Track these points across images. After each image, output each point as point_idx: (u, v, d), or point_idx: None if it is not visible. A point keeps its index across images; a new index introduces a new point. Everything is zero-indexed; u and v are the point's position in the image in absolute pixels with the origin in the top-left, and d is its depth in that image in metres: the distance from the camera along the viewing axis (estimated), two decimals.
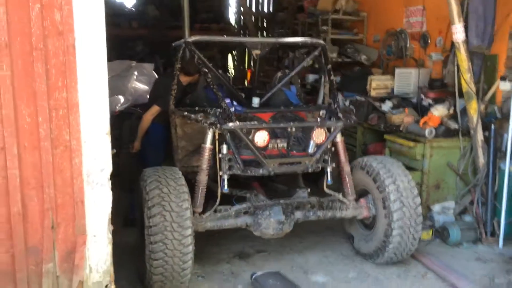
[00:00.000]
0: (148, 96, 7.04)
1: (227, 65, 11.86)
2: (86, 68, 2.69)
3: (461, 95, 5.34)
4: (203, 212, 4.16)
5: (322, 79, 6.85)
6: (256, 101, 4.87)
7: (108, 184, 2.86)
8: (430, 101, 5.78)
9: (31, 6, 2.54)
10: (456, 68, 5.30)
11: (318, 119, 4.73)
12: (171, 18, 10.58)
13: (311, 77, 8.15)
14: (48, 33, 2.58)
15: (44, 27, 2.56)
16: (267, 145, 4.13)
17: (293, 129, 4.24)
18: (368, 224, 4.70)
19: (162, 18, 10.52)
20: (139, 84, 7.26)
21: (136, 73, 7.33)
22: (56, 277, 2.82)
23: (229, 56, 12.13)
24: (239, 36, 11.54)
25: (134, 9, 10.87)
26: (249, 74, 11.17)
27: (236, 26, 11.87)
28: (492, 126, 5.17)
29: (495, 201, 5.14)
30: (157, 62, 9.37)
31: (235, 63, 12.22)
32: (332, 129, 4.28)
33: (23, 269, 2.76)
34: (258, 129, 4.02)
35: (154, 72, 7.55)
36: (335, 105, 4.44)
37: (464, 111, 5.34)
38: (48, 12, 2.57)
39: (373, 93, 6.58)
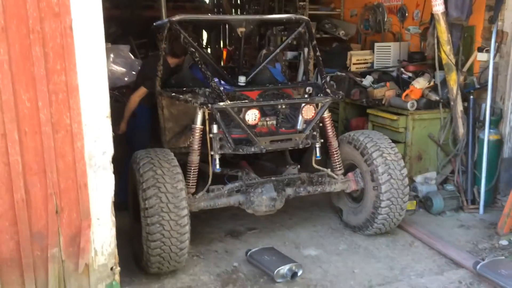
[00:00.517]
0: (126, 79, 6.96)
1: (202, 44, 11.70)
2: (85, 50, 2.64)
3: (440, 67, 5.48)
4: (196, 192, 4.18)
5: (302, 56, 6.87)
6: (242, 79, 4.87)
7: (110, 167, 2.85)
8: (410, 74, 5.90)
9: None
10: (436, 41, 5.41)
11: (306, 95, 4.80)
12: None
13: (289, 54, 8.16)
14: (45, 15, 2.51)
15: (40, 9, 2.49)
16: (257, 123, 4.15)
17: (283, 106, 4.28)
18: (356, 197, 4.82)
19: None
20: (116, 67, 7.11)
21: (112, 55, 7.16)
22: (61, 262, 2.82)
23: (204, 35, 11.96)
24: (213, 14, 11.38)
25: None
26: (225, 53, 11.09)
27: (210, 4, 11.68)
28: (471, 97, 5.33)
29: (475, 170, 5.34)
30: (132, 43, 9.16)
31: (210, 42, 12.08)
32: (319, 105, 4.34)
33: (28, 255, 2.73)
34: (249, 108, 4.03)
35: (130, 54, 7.40)
36: (323, 81, 4.49)
37: (444, 83, 5.48)
38: None
39: (353, 68, 6.67)
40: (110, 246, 2.94)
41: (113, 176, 2.89)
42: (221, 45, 11.95)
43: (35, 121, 2.62)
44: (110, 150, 2.84)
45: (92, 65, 2.68)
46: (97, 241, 2.89)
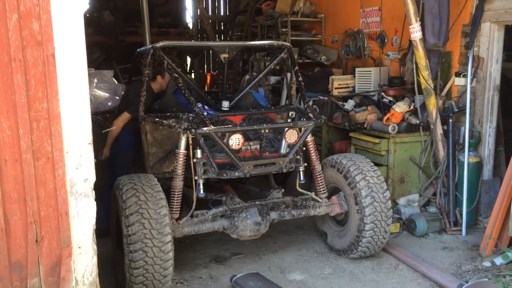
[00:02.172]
0: (109, 104, 6.95)
1: (186, 69, 11.79)
2: (67, 77, 2.63)
3: (419, 91, 5.59)
4: (179, 217, 4.16)
5: (285, 81, 6.96)
6: (226, 104, 4.90)
7: (92, 194, 2.82)
8: (391, 98, 6.01)
9: (8, 16, 2.47)
10: (414, 66, 5.54)
11: (289, 120, 4.85)
12: (127, 23, 10.41)
13: (272, 79, 8.27)
14: (27, 43, 2.52)
15: (23, 37, 2.50)
16: (241, 148, 4.17)
17: (266, 131, 4.31)
18: (340, 221, 4.84)
19: (117, 24, 10.33)
20: (99, 92, 7.10)
21: (95, 80, 7.17)
22: None
23: (188, 60, 12.06)
24: (197, 40, 11.50)
25: (88, 15, 10.61)
26: (208, 78, 11.17)
27: (194, 30, 11.81)
28: (450, 120, 5.44)
29: (456, 192, 5.41)
30: (115, 69, 9.20)
31: (194, 67, 12.17)
32: (302, 129, 4.38)
33: (7, 286, 2.67)
34: (233, 132, 4.05)
35: (114, 79, 7.42)
36: (305, 105, 4.55)
37: (423, 106, 5.59)
38: (26, 22, 2.50)
39: (335, 92, 6.76)
40: (91, 275, 2.89)
41: (94, 203, 2.86)
42: (205, 70, 12.04)
43: (16, 149, 2.59)
44: (92, 177, 2.82)
45: (75, 92, 2.67)
46: (78, 270, 2.84)
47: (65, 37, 2.61)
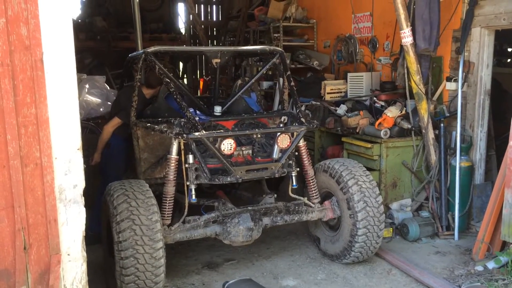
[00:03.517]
0: (101, 109, 6.91)
1: (179, 74, 11.77)
2: (56, 83, 2.61)
3: (411, 96, 5.61)
4: (171, 224, 4.13)
5: (278, 86, 6.97)
6: (218, 109, 4.88)
7: (81, 201, 2.79)
8: (382, 103, 6.02)
9: None
10: (406, 71, 5.56)
11: (281, 125, 4.84)
12: (120, 29, 10.39)
13: (265, 84, 8.27)
14: (15, 48, 2.49)
15: (10, 42, 2.47)
16: (233, 153, 4.15)
17: (258, 136, 4.30)
18: (333, 226, 4.83)
19: (110, 29, 10.31)
20: (91, 97, 7.08)
21: (87, 86, 7.15)
22: None
23: (181, 65, 12.05)
24: (190, 45, 11.49)
25: (80, 21, 10.58)
26: (201, 83, 11.16)
27: (186, 35, 11.81)
28: (441, 125, 5.46)
29: (448, 196, 5.42)
30: (107, 74, 9.17)
31: (187, 72, 12.15)
32: (295, 134, 4.37)
33: None
34: (224, 137, 4.04)
35: (106, 85, 7.39)
36: (297, 110, 4.54)
37: (415, 111, 5.60)
38: (14, 27, 2.48)
39: (327, 97, 6.76)
40: (80, 283, 2.85)
41: (84, 210, 2.83)
42: (198, 76, 12.03)
43: (3, 155, 2.56)
44: (81, 183, 2.78)
45: (63, 97, 2.65)
46: (67, 278, 2.80)
47: (54, 42, 2.59)
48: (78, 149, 2.73)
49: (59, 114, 2.66)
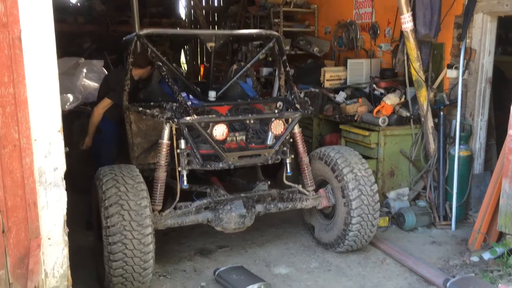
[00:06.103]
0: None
1: (180, 60, 11.66)
2: (34, 62, 2.53)
3: (410, 83, 5.49)
4: (163, 209, 4.07)
5: (277, 72, 6.86)
6: (212, 94, 4.80)
7: (62, 184, 2.72)
8: (382, 91, 5.91)
9: None
10: (405, 57, 5.44)
11: (276, 111, 4.75)
12: (119, 12, 10.26)
13: (265, 71, 8.15)
14: None
15: None
16: (225, 139, 4.08)
17: (252, 122, 4.21)
18: (328, 214, 4.76)
19: (109, 13, 10.18)
20: (89, 82, 7.00)
21: (85, 70, 7.07)
22: (9, 285, 2.66)
23: (182, 51, 11.93)
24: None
25: (79, 4, 10.47)
26: (202, 69, 11.05)
27: (186, 20, 11.67)
28: (441, 113, 5.35)
29: (446, 186, 5.33)
30: (106, 59, 9.07)
31: (188, 58, 12.04)
32: (290, 120, 4.28)
33: None
34: (216, 123, 3.96)
35: (104, 69, 7.30)
36: (292, 96, 4.45)
37: (415, 99, 5.50)
38: None
39: (326, 84, 6.66)
40: (62, 268, 2.80)
41: (65, 193, 2.76)
42: (199, 62, 11.92)
43: None
44: (62, 167, 2.71)
45: (43, 77, 2.57)
46: (47, 262, 2.74)
47: (32, 20, 2.50)
48: (58, 131, 2.66)
49: (38, 94, 2.58)
